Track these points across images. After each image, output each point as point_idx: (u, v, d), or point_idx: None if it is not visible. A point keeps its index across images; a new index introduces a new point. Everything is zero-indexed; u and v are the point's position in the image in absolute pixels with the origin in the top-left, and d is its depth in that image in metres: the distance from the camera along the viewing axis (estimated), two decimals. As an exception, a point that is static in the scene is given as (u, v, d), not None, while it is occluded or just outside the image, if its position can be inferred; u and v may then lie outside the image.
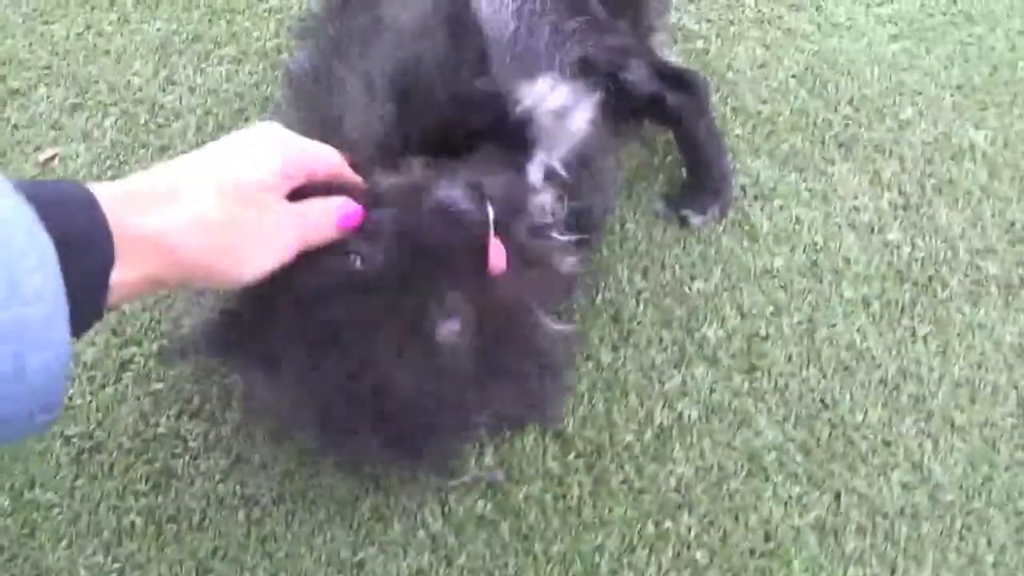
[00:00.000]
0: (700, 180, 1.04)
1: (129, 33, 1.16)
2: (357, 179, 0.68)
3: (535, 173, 0.83)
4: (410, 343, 0.66)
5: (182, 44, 1.15)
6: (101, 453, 0.88)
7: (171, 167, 0.55)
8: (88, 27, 1.18)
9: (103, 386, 0.92)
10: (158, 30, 1.16)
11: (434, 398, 0.70)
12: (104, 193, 0.48)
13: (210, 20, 1.17)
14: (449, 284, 0.67)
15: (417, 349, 0.67)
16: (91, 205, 0.47)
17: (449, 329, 0.67)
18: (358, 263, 0.64)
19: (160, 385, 0.91)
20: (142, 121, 1.08)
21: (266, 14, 1.18)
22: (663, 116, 1.04)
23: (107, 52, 1.15)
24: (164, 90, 1.11)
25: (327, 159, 0.64)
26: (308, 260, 0.61)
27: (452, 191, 0.65)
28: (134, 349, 0.94)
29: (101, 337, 0.94)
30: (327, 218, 0.61)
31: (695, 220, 1.03)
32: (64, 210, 0.45)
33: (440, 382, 0.69)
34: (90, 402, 0.91)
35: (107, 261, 0.47)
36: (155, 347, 0.94)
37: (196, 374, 0.91)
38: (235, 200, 0.54)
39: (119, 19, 1.18)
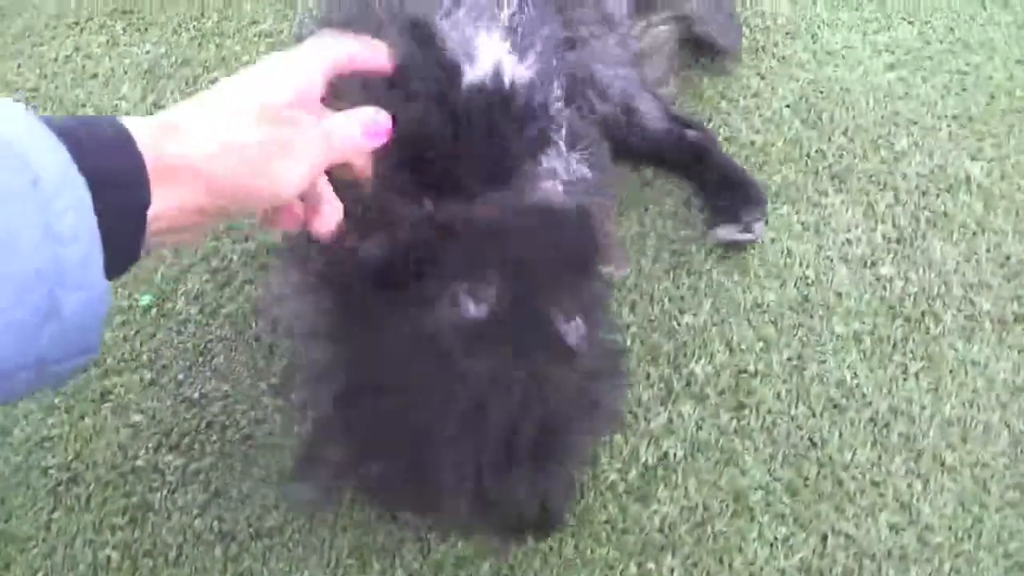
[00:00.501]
0: (737, 196, 1.05)
1: (118, 56, 1.16)
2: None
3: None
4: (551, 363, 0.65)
5: (171, 68, 1.14)
6: (79, 486, 0.87)
7: (210, 91, 0.54)
8: (77, 49, 1.17)
9: (82, 417, 0.91)
10: (147, 53, 1.16)
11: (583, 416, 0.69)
12: (139, 126, 0.47)
13: (199, 44, 1.17)
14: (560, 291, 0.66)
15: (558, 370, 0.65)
16: (126, 140, 0.46)
17: (576, 332, 0.66)
18: (471, 308, 0.63)
19: (139, 417, 0.90)
20: (129, 146, 1.07)
21: (256, 38, 1.17)
22: (681, 152, 1.05)
23: (95, 75, 1.14)
24: (151, 114, 1.09)
25: (375, 60, 0.63)
26: (410, 320, 0.62)
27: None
28: (114, 379, 0.93)
29: (81, 366, 0.92)
30: (353, 130, 0.59)
31: (757, 227, 1.03)
32: (99, 147, 0.45)
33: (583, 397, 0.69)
34: (69, 433, 0.90)
35: (144, 197, 0.47)
36: (135, 377, 0.93)
37: (174, 406, 0.90)
38: (267, 121, 0.53)
39: (108, 42, 1.18)
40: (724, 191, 1.06)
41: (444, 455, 0.64)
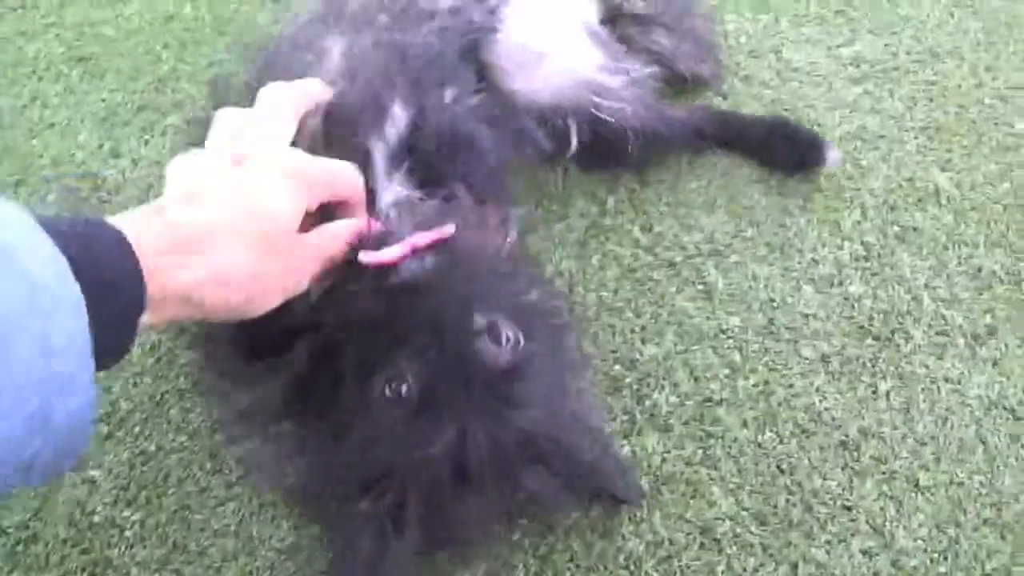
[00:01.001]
0: (790, 135, 1.09)
1: (75, 104, 1.15)
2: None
3: None
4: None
5: (127, 114, 1.14)
6: (37, 544, 0.86)
7: (203, 202, 0.56)
8: (34, 99, 1.17)
9: (40, 473, 0.90)
10: (103, 100, 1.15)
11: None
12: (138, 236, 0.49)
13: (156, 88, 1.16)
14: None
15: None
16: (126, 253, 0.48)
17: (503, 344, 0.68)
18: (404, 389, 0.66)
19: (96, 472, 0.89)
20: (84, 195, 1.07)
21: (219, 81, 1.16)
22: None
23: (52, 125, 1.14)
24: (107, 163, 1.10)
25: (350, 181, 0.67)
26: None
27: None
28: (72, 433, 0.92)
29: (39, 422, 0.92)
30: (339, 241, 0.65)
31: (833, 155, 1.07)
32: (99, 256, 0.46)
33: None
34: (26, 490, 0.89)
35: (138, 309, 0.49)
36: (92, 430, 0.91)
37: (131, 459, 0.89)
38: (264, 252, 0.57)
39: (65, 90, 1.17)
40: (770, 134, 1.10)
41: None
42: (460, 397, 0.66)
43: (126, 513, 0.87)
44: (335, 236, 0.65)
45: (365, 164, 0.75)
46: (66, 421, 0.43)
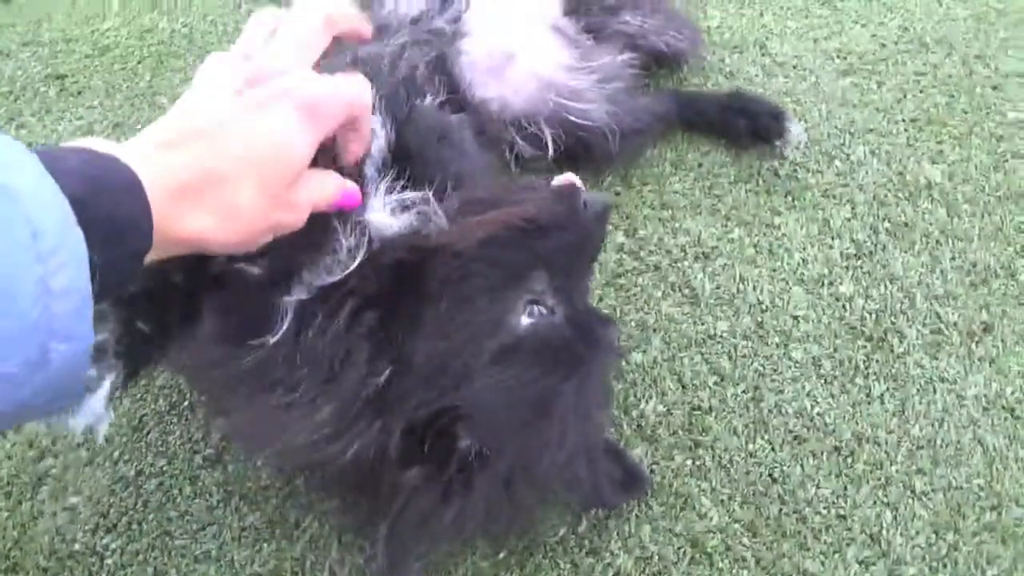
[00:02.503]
0: (752, 112, 1.09)
1: (52, 123, 1.14)
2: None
3: None
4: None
5: (103, 132, 1.12)
6: (18, 575, 0.85)
7: (214, 139, 0.54)
8: (11, 119, 1.15)
9: (19, 502, 0.89)
10: (80, 119, 1.14)
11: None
12: (149, 178, 0.48)
13: (132, 105, 1.15)
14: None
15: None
16: (137, 197, 0.47)
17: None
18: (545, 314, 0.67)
19: (76, 499, 0.88)
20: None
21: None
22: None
23: (29, 145, 1.11)
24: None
25: (362, 105, 0.64)
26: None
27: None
28: (51, 461, 0.91)
29: (17, 450, 0.91)
30: (333, 193, 0.63)
31: (796, 129, 1.08)
32: (108, 199, 0.46)
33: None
34: (7, 520, 0.87)
35: (144, 251, 0.48)
36: (72, 457, 0.90)
37: (111, 485, 0.87)
38: (272, 193, 0.56)
39: (42, 109, 1.16)
40: (732, 119, 1.10)
41: None
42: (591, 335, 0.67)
43: (106, 540, 0.86)
44: (331, 190, 0.63)
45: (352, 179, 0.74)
46: (63, 365, 0.43)
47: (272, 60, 0.62)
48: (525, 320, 0.66)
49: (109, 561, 0.84)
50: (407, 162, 0.77)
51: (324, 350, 0.64)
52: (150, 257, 0.50)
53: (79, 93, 1.17)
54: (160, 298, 0.52)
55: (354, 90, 0.63)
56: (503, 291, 0.66)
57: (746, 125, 1.07)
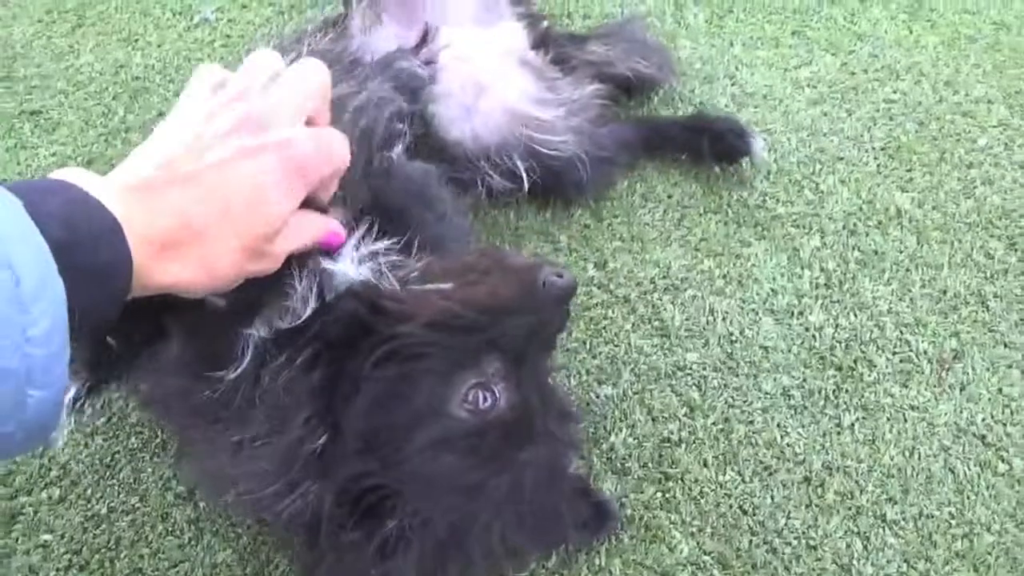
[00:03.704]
0: (715, 131, 1.09)
1: (25, 160, 1.14)
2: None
3: None
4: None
5: (77, 167, 1.12)
6: (-9, 614, 0.85)
7: (199, 185, 0.54)
8: (-14, 156, 1.16)
9: (-9, 541, 0.89)
10: (53, 155, 1.14)
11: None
12: (129, 220, 0.48)
13: (106, 140, 1.15)
14: None
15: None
16: (118, 244, 0.48)
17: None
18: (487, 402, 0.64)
19: (49, 536, 0.88)
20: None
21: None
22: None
23: (3, 181, 1.12)
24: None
25: (343, 164, 0.64)
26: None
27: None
28: (24, 499, 0.91)
29: (-10, 488, 0.91)
30: (314, 235, 0.63)
31: (758, 145, 1.08)
32: (90, 244, 0.46)
33: None
34: (-21, 559, 0.87)
35: (123, 295, 0.49)
36: (44, 495, 0.90)
37: (84, 523, 0.87)
38: (251, 248, 0.56)
39: (16, 145, 1.16)
40: (696, 135, 1.11)
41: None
42: (545, 424, 0.65)
43: (78, 579, 0.86)
44: (312, 233, 0.63)
45: None
46: (38, 408, 0.43)
47: (269, 107, 0.60)
48: (463, 412, 0.64)
49: (80, 601, 0.84)
50: (383, 217, 0.77)
51: (278, 396, 0.64)
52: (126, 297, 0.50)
53: (53, 129, 1.17)
54: (128, 314, 0.52)
55: (341, 149, 0.63)
56: (447, 375, 0.64)
57: (710, 144, 1.08)
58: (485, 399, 0.64)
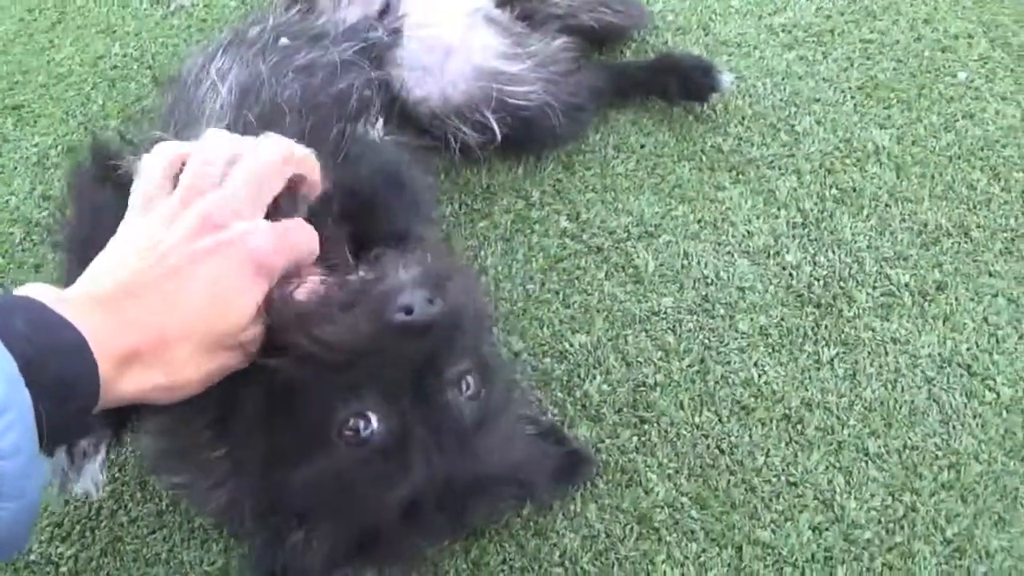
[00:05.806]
0: (682, 70, 1.10)
1: (8, 152, 1.16)
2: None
3: None
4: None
5: (57, 157, 1.14)
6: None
7: (160, 296, 0.55)
8: (-32, 151, 1.18)
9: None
10: (35, 145, 1.16)
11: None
12: (94, 335, 0.49)
13: (85, 129, 1.16)
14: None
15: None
16: (85, 362, 0.49)
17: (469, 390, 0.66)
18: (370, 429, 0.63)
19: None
20: (17, 240, 1.07)
21: (139, 115, 1.16)
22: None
23: (-14, 173, 1.14)
24: (39, 206, 1.10)
25: (310, 255, 0.64)
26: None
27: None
28: None
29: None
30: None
31: (726, 80, 1.08)
32: (56, 364, 0.47)
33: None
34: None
35: (91, 404, 0.50)
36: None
37: (66, 496, 0.88)
38: (216, 351, 0.57)
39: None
40: (660, 72, 1.11)
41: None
42: (429, 445, 0.63)
43: (61, 549, 0.86)
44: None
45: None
46: (9, 521, 0.44)
47: (226, 201, 0.60)
48: (343, 441, 0.63)
49: (64, 569, 0.85)
50: (351, 201, 0.76)
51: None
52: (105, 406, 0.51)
53: (35, 122, 1.19)
54: None
55: (303, 238, 0.63)
56: (326, 406, 0.63)
57: (678, 84, 1.07)
58: (366, 427, 0.62)
